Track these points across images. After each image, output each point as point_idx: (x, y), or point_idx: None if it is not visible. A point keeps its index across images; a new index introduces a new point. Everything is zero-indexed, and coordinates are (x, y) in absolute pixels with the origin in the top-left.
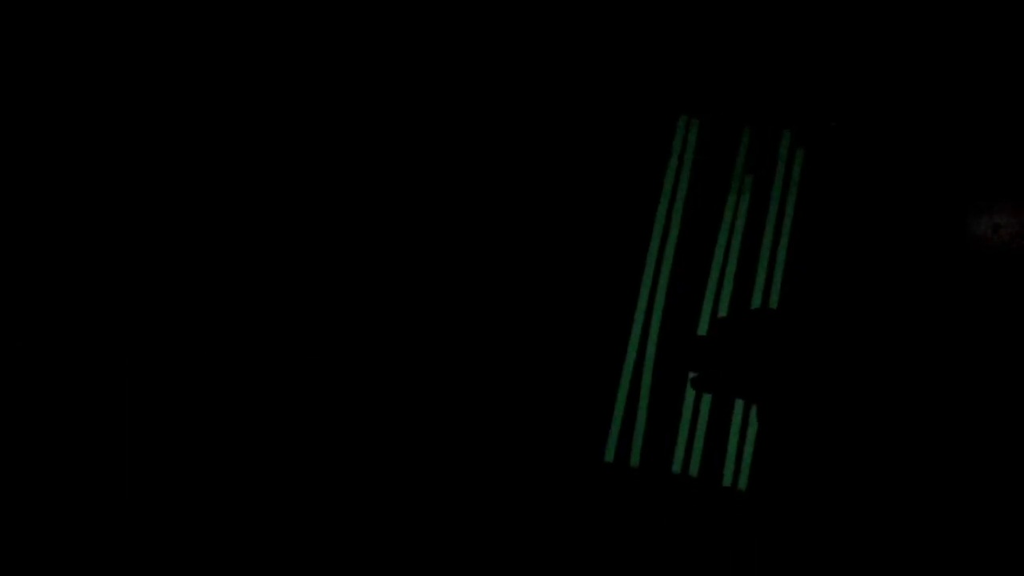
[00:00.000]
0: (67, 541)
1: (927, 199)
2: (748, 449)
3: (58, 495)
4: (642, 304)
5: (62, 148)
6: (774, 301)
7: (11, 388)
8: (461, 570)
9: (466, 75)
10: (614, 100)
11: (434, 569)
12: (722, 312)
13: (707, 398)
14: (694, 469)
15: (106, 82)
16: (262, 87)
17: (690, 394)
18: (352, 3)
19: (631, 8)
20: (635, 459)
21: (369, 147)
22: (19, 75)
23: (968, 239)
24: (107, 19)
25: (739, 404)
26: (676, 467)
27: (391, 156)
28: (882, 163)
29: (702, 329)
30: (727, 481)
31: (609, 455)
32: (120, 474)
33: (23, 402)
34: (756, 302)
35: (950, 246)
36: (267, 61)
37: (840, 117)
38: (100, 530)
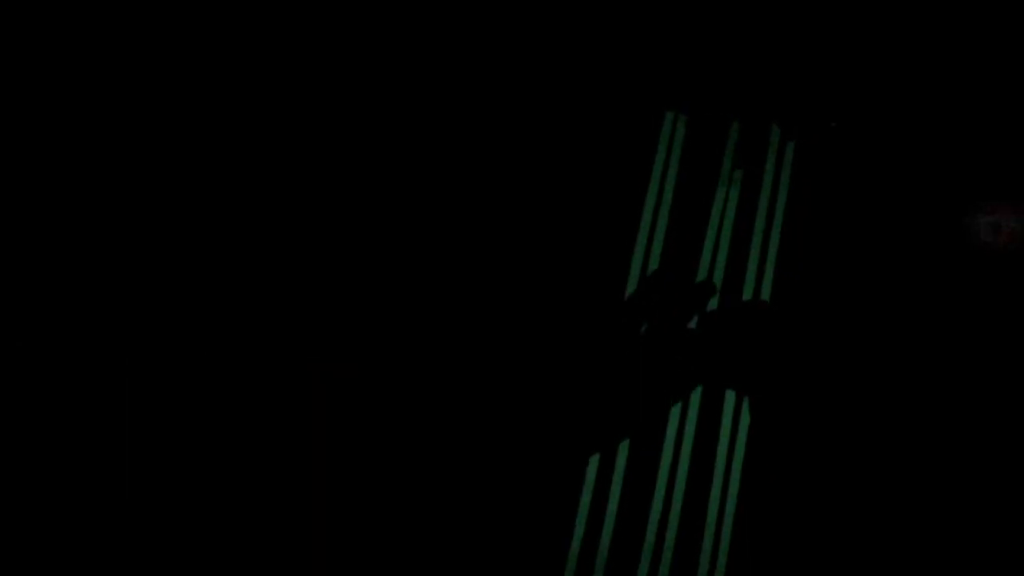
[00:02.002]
0: (67, 541)
1: (924, 197)
2: (739, 447)
3: (58, 495)
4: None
5: (62, 148)
6: (764, 296)
7: (11, 388)
8: (461, 570)
9: (452, 74)
10: (600, 95)
11: (434, 569)
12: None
13: (694, 398)
14: (683, 467)
15: (106, 82)
16: (262, 87)
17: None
18: (340, 2)
19: (616, 2)
20: (622, 458)
21: (366, 147)
22: (19, 75)
23: (967, 238)
24: (107, 19)
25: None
26: (664, 465)
27: (386, 156)
28: (880, 162)
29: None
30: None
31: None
32: (120, 474)
33: (23, 402)
34: (746, 297)
35: (947, 244)
36: (267, 61)
37: (840, 118)
38: (100, 530)
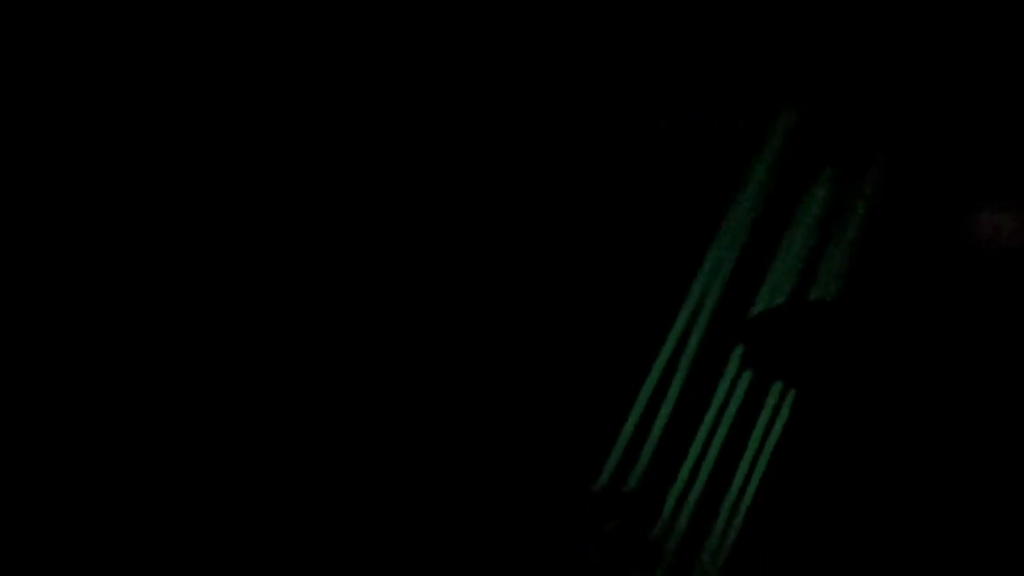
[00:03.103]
0: (67, 541)
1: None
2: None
3: (58, 495)
4: (691, 302)
5: (62, 148)
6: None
7: (11, 388)
8: (461, 571)
9: (483, 74)
10: (709, 87)
11: (434, 569)
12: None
13: (741, 384)
14: (702, 480)
15: (106, 82)
16: (262, 87)
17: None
18: (362, 3)
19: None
20: (643, 463)
21: (375, 147)
22: (19, 75)
23: (968, 241)
24: (107, 19)
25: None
26: (684, 474)
27: (397, 156)
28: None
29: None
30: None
31: (615, 457)
32: (120, 474)
33: (23, 402)
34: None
35: (952, 249)
36: (267, 61)
37: (840, 117)
38: (100, 530)
